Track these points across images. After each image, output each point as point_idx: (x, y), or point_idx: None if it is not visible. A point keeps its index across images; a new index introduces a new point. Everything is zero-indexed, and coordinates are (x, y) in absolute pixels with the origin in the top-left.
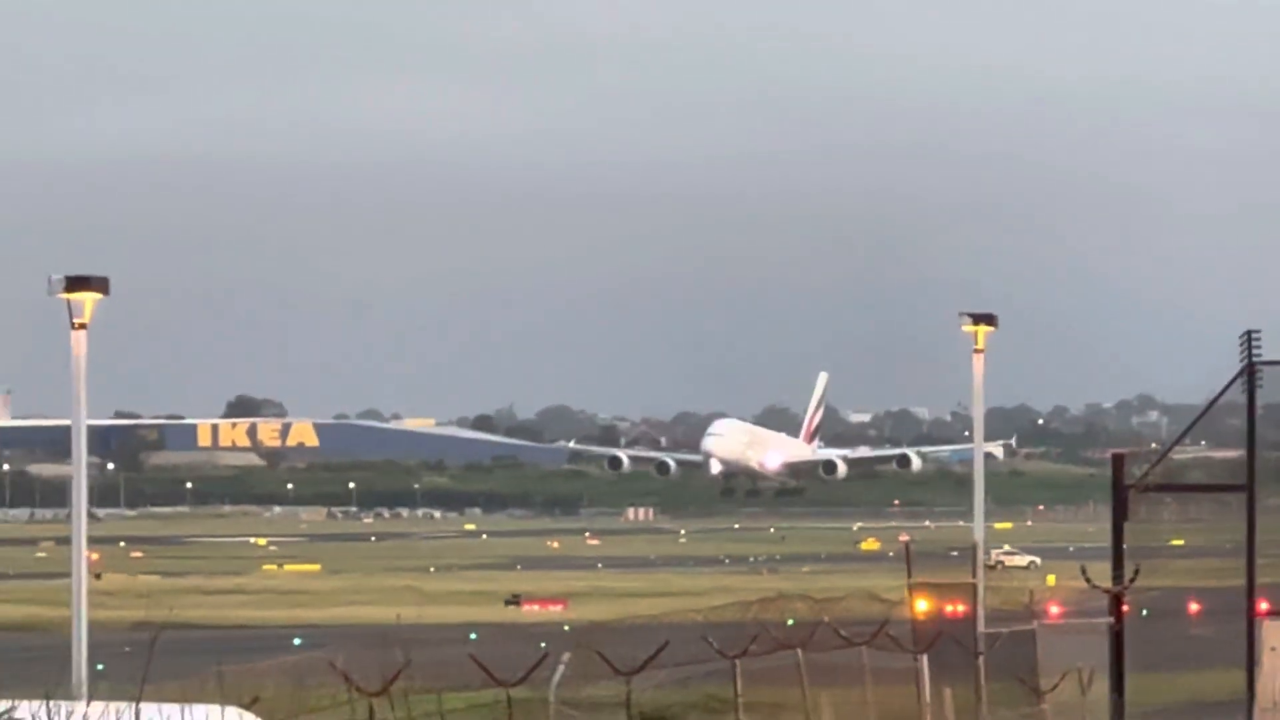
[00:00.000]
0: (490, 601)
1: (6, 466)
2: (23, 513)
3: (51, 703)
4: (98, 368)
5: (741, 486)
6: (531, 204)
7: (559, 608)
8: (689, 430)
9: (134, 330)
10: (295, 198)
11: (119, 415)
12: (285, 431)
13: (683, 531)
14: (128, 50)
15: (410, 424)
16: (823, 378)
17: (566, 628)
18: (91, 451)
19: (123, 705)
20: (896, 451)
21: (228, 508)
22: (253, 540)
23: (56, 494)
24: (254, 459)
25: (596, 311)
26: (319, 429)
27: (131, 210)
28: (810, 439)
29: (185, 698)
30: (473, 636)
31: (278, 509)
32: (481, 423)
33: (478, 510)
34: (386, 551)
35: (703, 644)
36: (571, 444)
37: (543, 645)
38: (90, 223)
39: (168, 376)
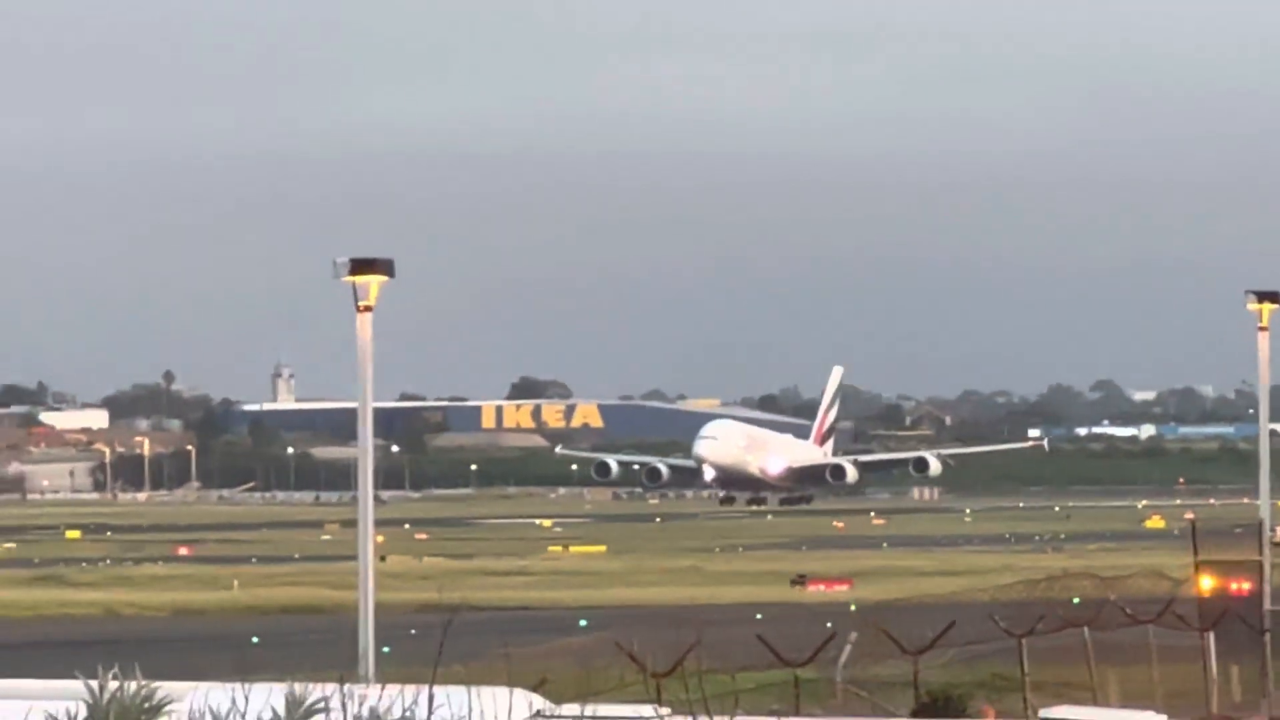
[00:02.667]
0: (776, 581)
1: (291, 449)
2: (308, 495)
3: (345, 686)
4: (382, 350)
5: (742, 495)
6: (802, 184)
7: (845, 587)
8: (974, 409)
9: (419, 313)
10: (577, 181)
11: (403, 397)
12: (570, 413)
13: (968, 510)
14: (419, 36)
15: (695, 404)
16: (836, 372)
17: (852, 607)
18: (376, 434)
19: (412, 689)
20: (913, 454)
21: (512, 489)
22: (537, 522)
23: (340, 476)
24: (538, 440)
25: (880, 290)
26: (603, 410)
27: (418, 194)
28: (822, 441)
29: (471, 680)
30: (758, 617)
31: (562, 490)
32: (766, 402)
33: None
34: (671, 532)
35: (989, 623)
36: (559, 448)
37: (829, 625)
38: (378, 206)
39: (452, 359)
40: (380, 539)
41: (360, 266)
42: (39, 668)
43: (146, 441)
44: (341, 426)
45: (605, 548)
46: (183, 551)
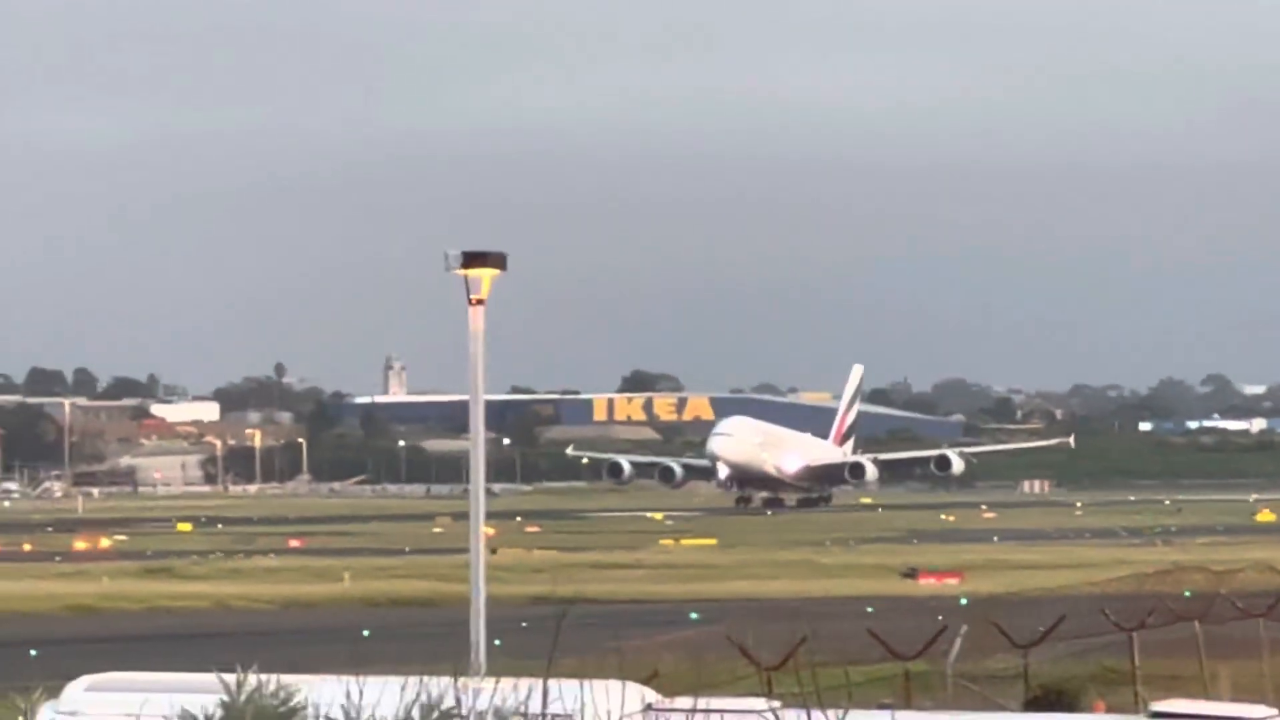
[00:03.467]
0: (886, 575)
1: (402, 442)
2: (419, 488)
3: (460, 680)
4: (494, 343)
5: (759, 495)
6: (912, 180)
7: (955, 580)
8: (1084, 402)
9: (531, 306)
10: (688, 176)
11: (515, 390)
12: (681, 405)
13: (1079, 503)
14: (533, 32)
15: (806, 398)
16: (856, 370)
17: (963, 600)
18: (487, 427)
19: (525, 682)
20: (935, 452)
21: None
22: (649, 515)
23: (451, 469)
24: (650, 433)
25: (992, 284)
26: (714, 403)
27: (531, 188)
28: (841, 440)
29: (583, 673)
30: (869, 610)
31: None
32: (877, 396)
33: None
34: (782, 525)
35: (1100, 616)
36: (570, 449)
37: (939, 618)
38: (491, 200)
39: (564, 352)
40: (491, 531)
41: (472, 259)
42: (151, 661)
43: (258, 434)
44: (453, 419)
45: (716, 541)
46: (294, 544)
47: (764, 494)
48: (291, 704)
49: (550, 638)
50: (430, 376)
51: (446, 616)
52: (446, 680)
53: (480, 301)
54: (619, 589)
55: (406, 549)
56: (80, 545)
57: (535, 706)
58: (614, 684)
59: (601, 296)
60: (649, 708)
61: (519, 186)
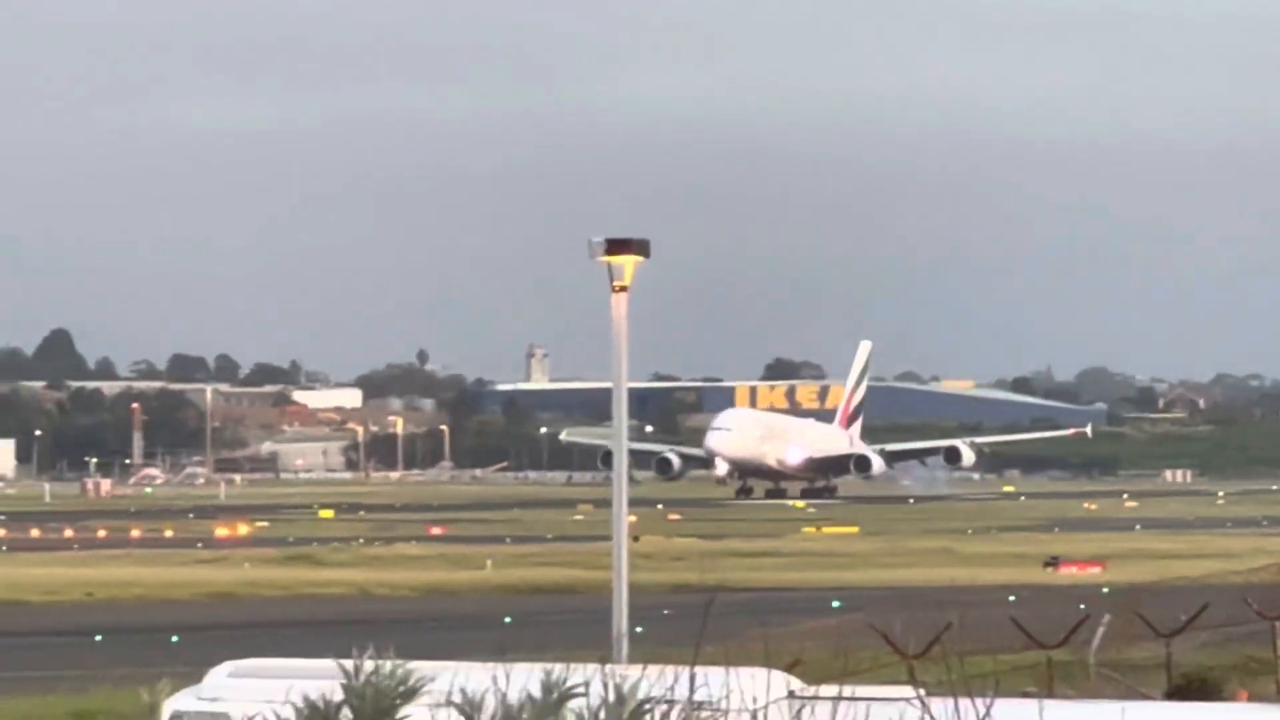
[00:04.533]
0: (1028, 563)
1: (544, 429)
2: (560, 475)
3: (607, 667)
4: (636, 330)
5: (761, 486)
6: (1057, 165)
7: (1097, 570)
8: (1226, 391)
9: (674, 293)
10: (832, 163)
11: (657, 378)
12: (823, 393)
13: (1221, 493)
14: (680, 17)
15: (948, 386)
16: (864, 347)
17: (1105, 590)
18: (630, 414)
19: (671, 669)
20: (945, 443)
21: None
22: (790, 503)
23: (593, 457)
24: None
25: (1134, 272)
26: None
27: (675, 174)
28: (849, 421)
29: (726, 660)
30: (1011, 598)
31: None
32: (1019, 385)
33: (1016, 472)
34: (924, 513)
35: (1242, 605)
36: (564, 435)
37: (1081, 607)
38: (635, 186)
39: (706, 339)
40: (633, 519)
41: (616, 246)
42: (292, 647)
43: (400, 421)
44: (595, 406)
45: (858, 529)
46: (435, 531)
47: (767, 485)
48: (410, 684)
49: (692, 625)
50: (573, 364)
51: (588, 604)
52: (592, 667)
53: (623, 288)
54: (761, 577)
55: (549, 536)
56: (222, 532)
57: (680, 693)
58: (757, 671)
59: (746, 283)
60: (792, 695)
61: (664, 174)
